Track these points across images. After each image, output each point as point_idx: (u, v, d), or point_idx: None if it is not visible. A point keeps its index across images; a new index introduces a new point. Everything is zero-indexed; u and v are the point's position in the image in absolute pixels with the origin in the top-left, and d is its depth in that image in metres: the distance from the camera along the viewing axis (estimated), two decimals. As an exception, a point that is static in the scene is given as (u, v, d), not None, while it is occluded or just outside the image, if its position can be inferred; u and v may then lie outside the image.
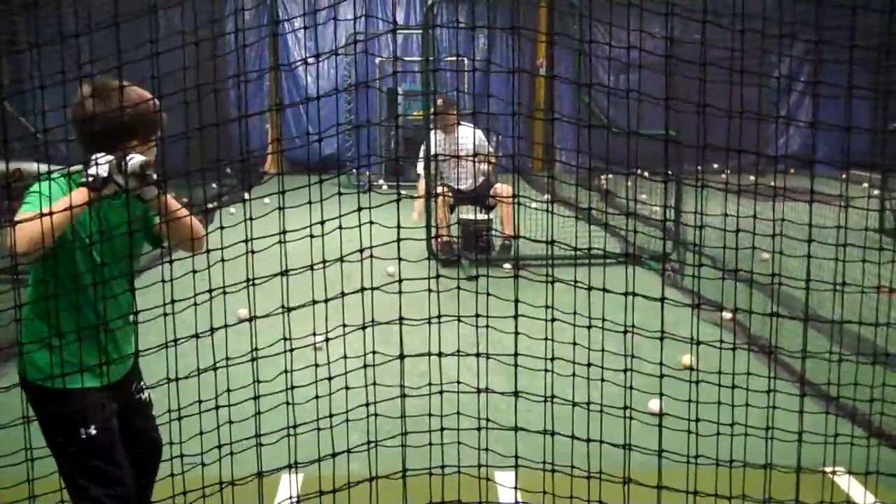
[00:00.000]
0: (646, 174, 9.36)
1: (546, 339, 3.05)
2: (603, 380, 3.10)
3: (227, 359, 2.79)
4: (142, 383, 2.85)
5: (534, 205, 6.62)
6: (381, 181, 13.21)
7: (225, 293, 2.71)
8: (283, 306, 2.85)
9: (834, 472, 3.28)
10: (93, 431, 2.57)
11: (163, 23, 2.55)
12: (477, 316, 3.05)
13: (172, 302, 2.64)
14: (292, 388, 2.93)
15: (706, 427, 3.07)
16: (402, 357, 3.10)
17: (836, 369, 3.21)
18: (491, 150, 8.67)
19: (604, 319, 3.04)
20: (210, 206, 9.49)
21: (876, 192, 9.49)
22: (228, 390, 2.85)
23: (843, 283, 3.12)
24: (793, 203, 3.18)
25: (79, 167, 2.47)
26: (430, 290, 3.09)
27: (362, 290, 2.94)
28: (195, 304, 2.69)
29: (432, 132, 8.50)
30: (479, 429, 3.17)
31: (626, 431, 3.03)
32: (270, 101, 15.04)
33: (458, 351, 3.18)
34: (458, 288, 3.20)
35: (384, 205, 3.07)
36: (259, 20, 14.48)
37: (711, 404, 3.08)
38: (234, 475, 2.86)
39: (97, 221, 2.56)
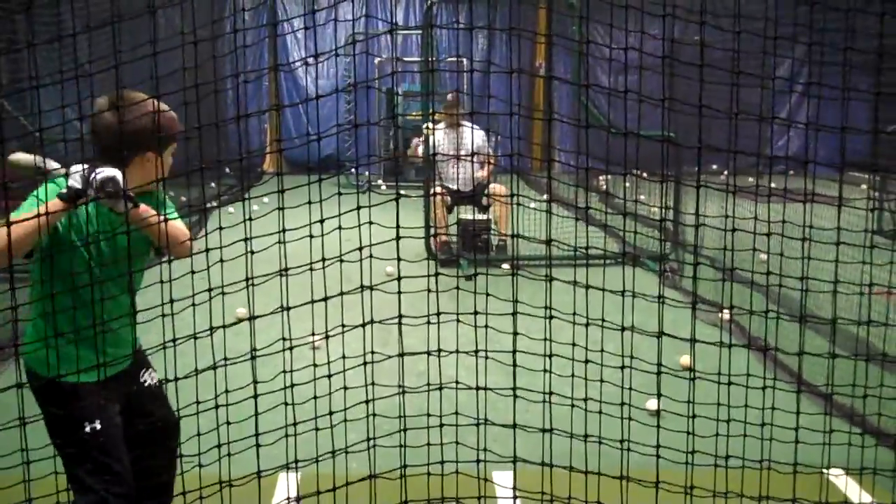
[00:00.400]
0: (644, 175, 9.36)
1: (545, 339, 3.06)
2: (602, 380, 3.11)
3: (226, 359, 2.79)
4: (151, 370, 2.89)
5: (532, 205, 6.63)
6: (379, 181, 13.22)
7: (224, 293, 2.72)
8: (281, 306, 2.85)
9: (829, 467, 3.27)
10: (98, 426, 2.60)
11: (163, 21, 2.55)
12: (476, 314, 3.05)
13: (171, 302, 2.64)
14: (291, 386, 2.94)
15: (704, 428, 3.08)
16: (401, 356, 3.11)
17: (833, 370, 3.21)
18: (490, 151, 8.68)
19: (603, 320, 3.05)
20: (209, 205, 9.51)
21: (875, 193, 9.51)
22: (227, 391, 2.86)
23: (836, 282, 3.13)
24: (791, 204, 3.19)
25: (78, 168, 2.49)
26: (428, 290, 3.10)
27: (361, 288, 2.95)
28: (193, 304, 2.70)
29: (434, 130, 8.52)
30: (477, 424, 3.17)
31: (622, 429, 3.03)
32: (269, 101, 15.04)
33: (457, 350, 3.18)
34: (457, 288, 3.21)
35: (382, 203, 3.08)
36: (258, 20, 14.47)
37: (710, 405, 3.09)
38: (232, 475, 2.87)
39: (95, 224, 2.58)
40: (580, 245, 3.23)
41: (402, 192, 3.12)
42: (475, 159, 8.15)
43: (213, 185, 11.01)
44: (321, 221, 2.93)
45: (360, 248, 2.88)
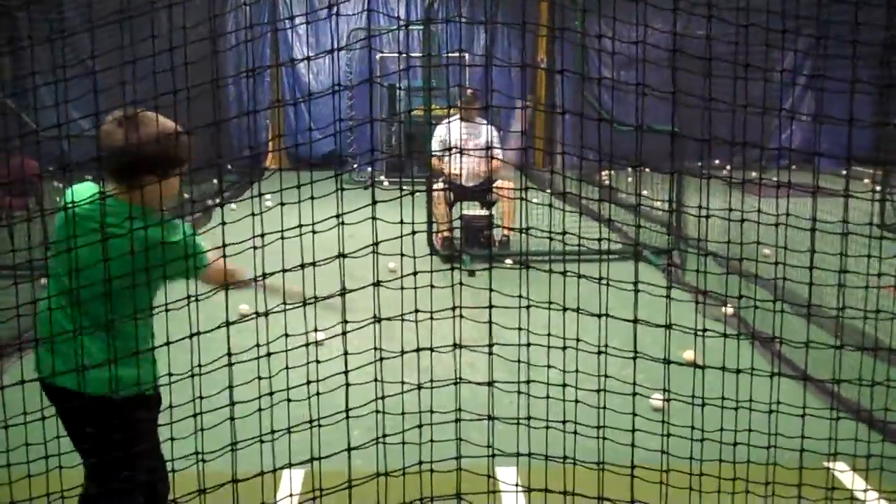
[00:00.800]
0: (647, 169, 9.35)
1: (548, 334, 3.05)
2: (606, 375, 3.10)
3: (230, 355, 2.79)
4: None
5: (536, 200, 6.63)
6: (382, 177, 13.19)
7: (227, 289, 2.71)
8: (283, 303, 2.84)
9: (835, 457, 3.27)
10: (141, 444, 2.68)
11: (164, 16, 2.54)
12: (489, 307, 3.04)
13: (169, 301, 2.64)
14: (308, 384, 2.94)
15: (709, 422, 3.07)
16: (402, 353, 3.10)
17: (839, 363, 3.20)
18: (500, 149, 8.70)
19: (607, 315, 3.03)
20: (210, 202, 9.50)
21: (878, 187, 9.50)
22: (230, 387, 2.85)
23: (842, 272, 3.12)
24: (794, 198, 3.18)
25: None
26: (431, 286, 3.08)
27: (375, 284, 2.94)
28: (196, 299, 2.69)
29: (444, 124, 8.54)
30: (485, 418, 3.16)
31: (631, 423, 3.03)
32: (271, 97, 15.03)
33: (460, 345, 3.17)
34: (461, 284, 3.20)
35: (387, 201, 3.07)
36: (260, 16, 14.46)
37: (715, 399, 3.08)
38: (237, 472, 2.86)
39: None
40: (585, 238, 3.22)
41: (406, 188, 3.11)
42: (485, 154, 8.16)
43: (214, 181, 11.01)
44: (337, 217, 2.92)
45: (368, 246, 2.87)
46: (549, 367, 3.08)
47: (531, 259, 7.37)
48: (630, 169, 3.18)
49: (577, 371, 3.10)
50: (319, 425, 3.04)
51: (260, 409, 2.87)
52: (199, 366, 2.72)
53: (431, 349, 3.09)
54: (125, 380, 2.60)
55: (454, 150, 8.07)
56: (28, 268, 2.76)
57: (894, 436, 3.93)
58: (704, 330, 3.02)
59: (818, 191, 3.11)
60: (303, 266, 2.85)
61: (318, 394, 3.02)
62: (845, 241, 3.13)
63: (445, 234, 8.40)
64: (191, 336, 2.71)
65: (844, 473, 3.68)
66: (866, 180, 10.63)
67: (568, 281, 3.05)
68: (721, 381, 3.07)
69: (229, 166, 12.71)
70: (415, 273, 3.01)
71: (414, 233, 3.02)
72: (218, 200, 9.81)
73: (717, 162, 11.20)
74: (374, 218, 2.95)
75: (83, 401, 2.56)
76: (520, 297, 3.03)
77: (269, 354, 2.85)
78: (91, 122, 2.59)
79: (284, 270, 2.82)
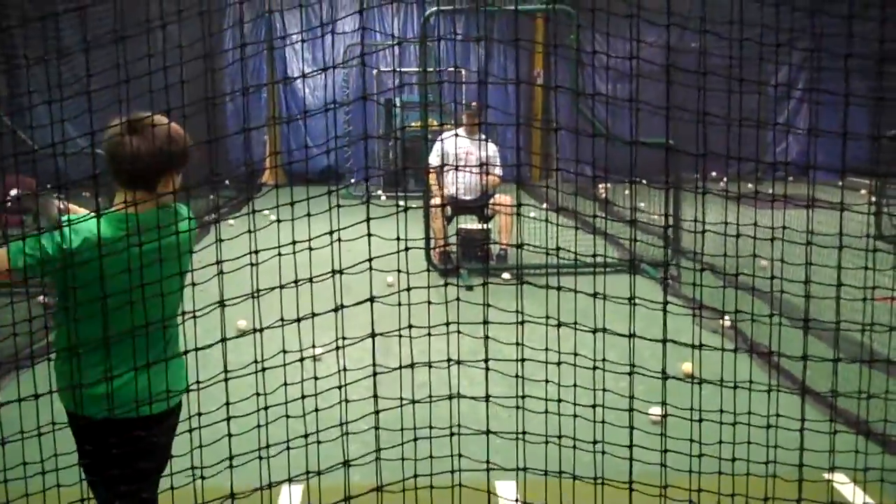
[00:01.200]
0: (643, 182, 9.37)
1: (546, 348, 3.05)
2: (604, 389, 3.09)
3: (226, 371, 2.78)
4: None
5: (532, 214, 6.64)
6: (379, 192, 13.20)
7: (223, 305, 2.70)
8: (281, 318, 2.84)
9: (833, 470, 3.26)
10: (144, 462, 2.63)
11: (160, 34, 2.55)
12: (483, 323, 3.04)
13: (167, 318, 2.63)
14: (303, 398, 2.93)
15: (708, 435, 3.07)
16: (401, 368, 3.09)
17: (837, 375, 3.20)
18: (499, 165, 8.72)
19: (604, 329, 3.03)
20: (208, 217, 9.51)
21: (874, 198, 9.51)
22: (228, 403, 2.84)
23: (840, 285, 3.12)
24: (791, 210, 3.18)
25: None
26: (429, 302, 3.08)
27: (362, 301, 2.94)
28: (194, 316, 2.69)
29: (442, 141, 8.54)
30: (483, 433, 3.16)
31: (629, 437, 3.02)
32: (268, 113, 15.07)
33: (458, 360, 3.17)
34: (458, 299, 3.20)
35: (384, 217, 3.07)
36: (256, 33, 14.51)
37: (713, 412, 3.08)
38: (235, 487, 2.85)
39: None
40: (581, 253, 3.23)
41: (402, 203, 3.11)
42: (482, 169, 8.17)
43: (211, 197, 11.02)
44: (330, 233, 2.92)
45: (365, 261, 2.87)
46: (546, 381, 3.08)
47: (529, 273, 7.38)
48: (627, 182, 3.18)
49: (574, 385, 3.10)
50: (318, 440, 3.03)
51: (258, 425, 2.86)
52: (198, 382, 2.72)
53: (429, 364, 3.08)
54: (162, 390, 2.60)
55: (449, 166, 8.09)
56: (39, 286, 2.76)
57: (894, 447, 3.92)
58: (701, 345, 3.02)
59: (814, 203, 3.11)
60: (296, 283, 2.85)
61: (315, 409, 3.01)
62: (841, 253, 3.14)
63: (443, 248, 8.41)
64: (186, 353, 2.71)
65: (845, 486, 3.68)
66: (863, 191, 10.65)
67: (565, 295, 3.05)
68: (719, 394, 3.07)
69: (227, 182, 12.71)
70: (409, 289, 3.01)
71: (407, 249, 3.02)
72: (214, 216, 9.83)
73: (713, 174, 11.22)
74: (369, 234, 2.95)
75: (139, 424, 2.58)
76: (517, 311, 3.03)
77: (263, 370, 2.85)
78: (88, 140, 2.59)
79: (282, 287, 2.82)
